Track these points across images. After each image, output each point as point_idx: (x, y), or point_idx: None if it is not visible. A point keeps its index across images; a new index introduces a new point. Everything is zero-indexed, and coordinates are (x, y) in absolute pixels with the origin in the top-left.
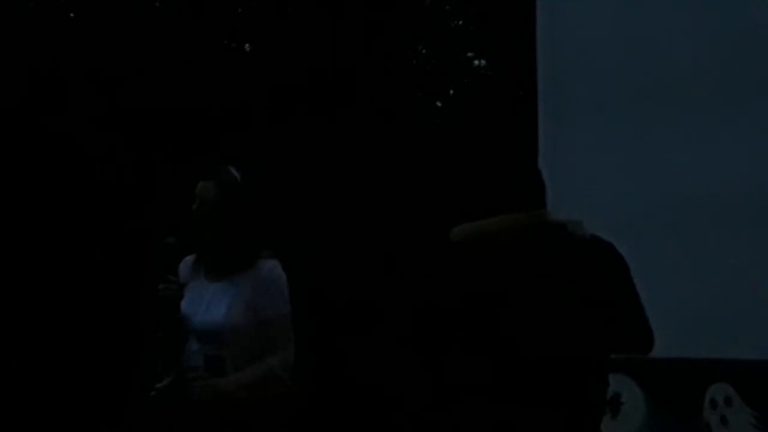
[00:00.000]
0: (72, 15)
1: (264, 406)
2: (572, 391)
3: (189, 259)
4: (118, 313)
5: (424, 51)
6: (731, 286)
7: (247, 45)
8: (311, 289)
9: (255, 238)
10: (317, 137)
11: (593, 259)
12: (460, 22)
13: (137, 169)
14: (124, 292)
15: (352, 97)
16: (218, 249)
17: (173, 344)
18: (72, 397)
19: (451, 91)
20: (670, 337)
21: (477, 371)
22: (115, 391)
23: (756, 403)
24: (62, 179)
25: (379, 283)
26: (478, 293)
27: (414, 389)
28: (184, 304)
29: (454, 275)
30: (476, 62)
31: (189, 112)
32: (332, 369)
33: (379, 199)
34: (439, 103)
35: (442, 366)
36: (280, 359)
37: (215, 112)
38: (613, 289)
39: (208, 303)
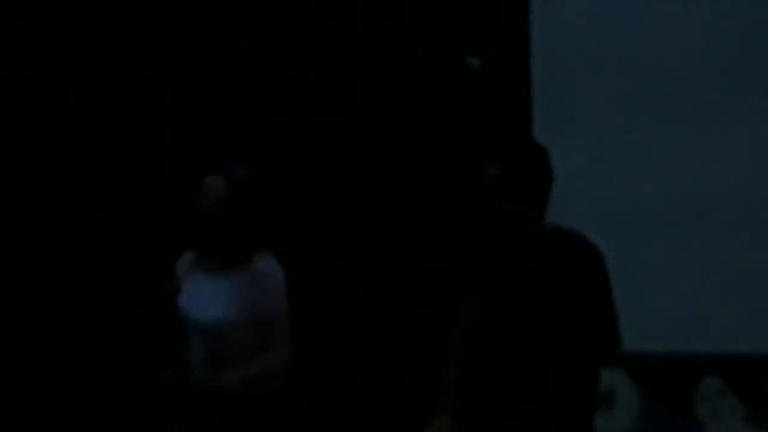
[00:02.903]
0: (72, 13)
1: (263, 402)
2: (563, 387)
3: (188, 254)
4: (118, 310)
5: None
6: (723, 281)
7: (246, 44)
8: (310, 287)
9: (258, 235)
10: (313, 136)
11: (573, 261)
12: (458, 21)
13: (137, 167)
14: (123, 289)
15: (350, 96)
16: (220, 245)
17: (172, 340)
18: (73, 394)
19: (448, 90)
20: (663, 332)
21: (474, 369)
22: (115, 388)
23: (747, 397)
24: (61, 178)
25: (379, 281)
26: (476, 291)
27: (413, 387)
28: (182, 300)
29: (456, 273)
30: (472, 61)
31: (188, 111)
32: (332, 366)
33: (378, 197)
34: (436, 102)
35: (441, 365)
36: (278, 355)
37: (215, 111)
38: (588, 297)
39: (206, 299)
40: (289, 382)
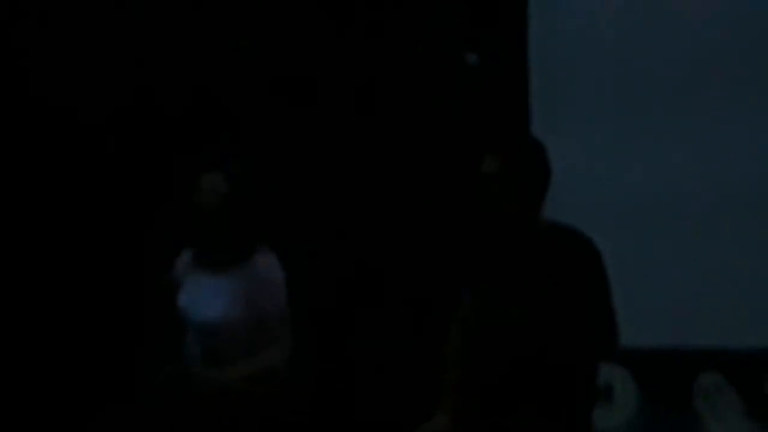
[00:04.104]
0: (68, 10)
1: (263, 400)
2: (561, 383)
3: (188, 252)
4: (118, 308)
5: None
6: (722, 277)
7: (245, 43)
8: (310, 285)
9: (257, 232)
10: (313, 135)
11: (572, 258)
12: (458, 20)
13: (136, 164)
14: (122, 287)
15: (350, 95)
16: (219, 242)
17: (172, 338)
18: (72, 392)
19: (448, 90)
20: (662, 328)
21: (474, 369)
22: (115, 386)
23: (746, 392)
24: (60, 175)
25: (379, 279)
26: (476, 289)
27: (413, 387)
28: (182, 298)
29: (456, 272)
30: (470, 57)
31: (187, 109)
32: (331, 364)
33: (378, 196)
34: (436, 102)
35: (441, 363)
36: (278, 352)
37: (214, 109)
38: (586, 293)
39: (205, 297)
40: (288, 379)
